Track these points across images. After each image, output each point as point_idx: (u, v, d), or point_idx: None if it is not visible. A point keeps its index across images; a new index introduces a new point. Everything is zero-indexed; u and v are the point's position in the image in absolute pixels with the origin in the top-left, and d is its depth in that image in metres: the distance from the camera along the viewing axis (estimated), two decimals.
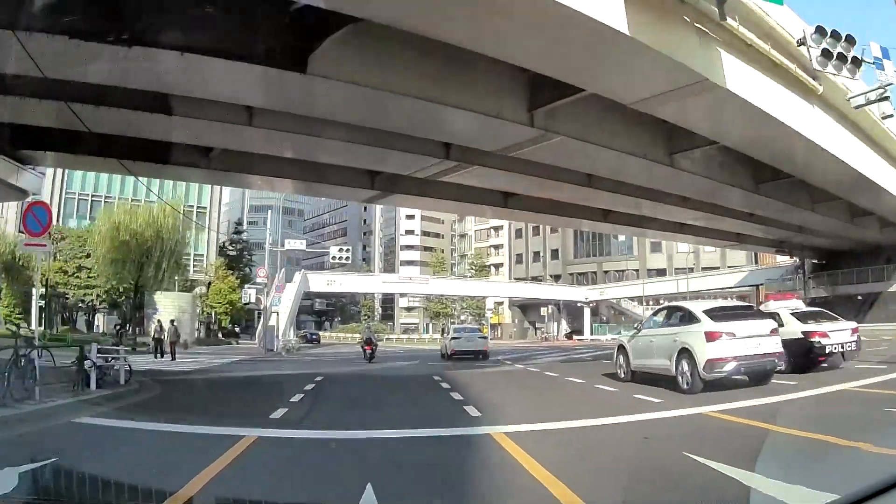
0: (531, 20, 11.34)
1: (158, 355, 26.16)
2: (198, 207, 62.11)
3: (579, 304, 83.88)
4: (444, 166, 20.47)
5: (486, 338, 31.86)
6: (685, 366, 12.47)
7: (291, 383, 14.97)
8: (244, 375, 19.17)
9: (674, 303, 19.26)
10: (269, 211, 49.18)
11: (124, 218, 36.42)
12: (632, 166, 21.90)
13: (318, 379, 16.18)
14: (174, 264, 38.65)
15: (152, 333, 28.61)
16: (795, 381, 12.73)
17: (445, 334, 33.34)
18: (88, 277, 42.08)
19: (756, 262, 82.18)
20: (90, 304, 44.73)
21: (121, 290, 40.35)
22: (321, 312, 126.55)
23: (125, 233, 35.23)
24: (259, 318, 55.37)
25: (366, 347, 27.13)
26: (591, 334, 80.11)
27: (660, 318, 15.60)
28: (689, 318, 13.49)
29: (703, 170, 23.91)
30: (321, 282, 60.93)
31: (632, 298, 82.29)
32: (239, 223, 77.82)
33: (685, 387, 12.29)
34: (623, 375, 15.31)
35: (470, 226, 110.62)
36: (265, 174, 22.28)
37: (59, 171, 60.49)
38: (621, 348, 15.96)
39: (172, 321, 28.65)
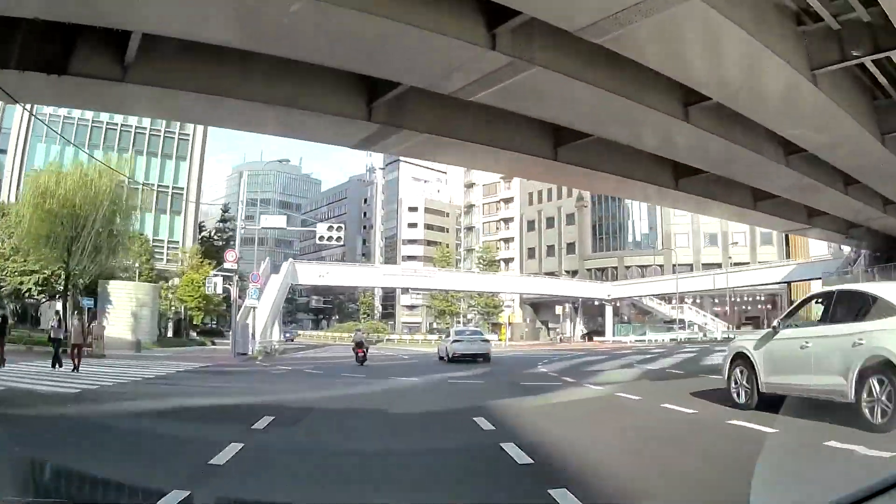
0: None
1: (57, 364, 18.45)
2: (174, 188, 54.58)
3: (597, 303, 76.50)
4: (485, 67, 12.78)
5: (488, 341, 30.53)
6: (875, 386, 7.56)
7: (204, 438, 7.36)
8: (147, 409, 10.76)
9: (844, 286, 12.59)
10: (243, 173, 41.23)
11: (50, 182, 28.66)
12: (764, 81, 14.44)
13: (261, 425, 8.34)
14: (115, 242, 30.84)
15: (49, 332, 20.94)
16: None
17: (446, 336, 31.98)
18: (24, 261, 34.53)
19: (788, 257, 75.77)
20: (26, 293, 37.11)
21: (63, 276, 32.45)
22: (318, 310, 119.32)
23: (52, 201, 27.54)
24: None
25: (357, 351, 25.76)
26: (614, 335, 72.75)
27: (816, 310, 10.61)
28: (879, 308, 8.25)
29: (844, 99, 16.49)
30: (311, 274, 53.49)
31: (659, 296, 75.05)
32: (226, 209, 70.21)
33: (878, 420, 7.42)
34: (743, 399, 10.10)
35: (478, 217, 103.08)
36: (212, 92, 14.58)
37: (20, 145, 53.47)
38: (741, 357, 10.47)
39: (80, 314, 21.15)
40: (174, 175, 54.70)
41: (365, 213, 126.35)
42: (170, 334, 43.65)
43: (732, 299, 79.72)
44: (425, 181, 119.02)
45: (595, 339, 71.39)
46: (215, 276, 31.29)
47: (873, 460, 4.97)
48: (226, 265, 30.70)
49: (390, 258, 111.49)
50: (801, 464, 4.55)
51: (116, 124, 54.70)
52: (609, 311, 74.92)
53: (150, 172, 54.39)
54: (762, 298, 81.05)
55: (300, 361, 29.52)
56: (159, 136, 55.65)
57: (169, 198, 53.59)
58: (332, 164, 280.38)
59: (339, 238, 28.76)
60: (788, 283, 73.13)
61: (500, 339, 49.85)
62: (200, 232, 68.60)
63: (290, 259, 51.96)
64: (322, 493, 5.27)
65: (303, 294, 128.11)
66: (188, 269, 44.26)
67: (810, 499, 2.49)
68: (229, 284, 29.69)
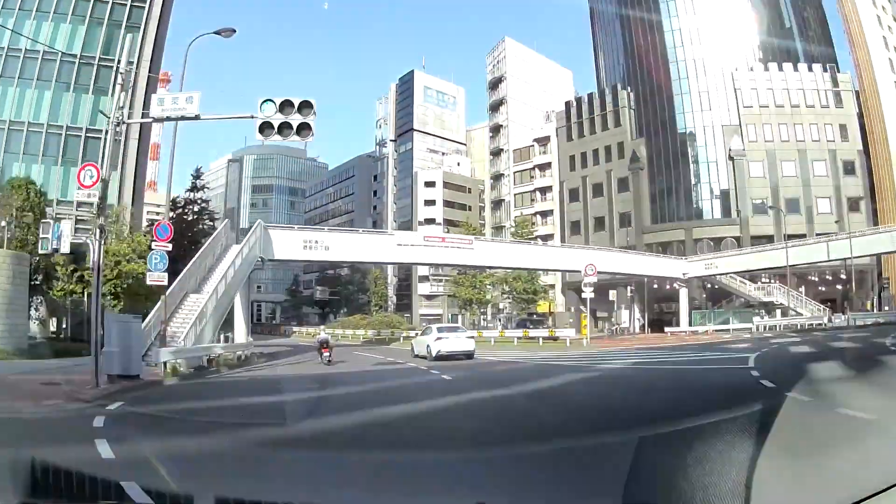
0: None
1: None
2: (107, 131, 39.57)
3: (666, 285, 61.03)
4: None
5: (473, 337, 28.89)
6: None
7: None
8: None
9: None
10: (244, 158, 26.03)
11: None
12: None
13: None
14: None
15: None
16: None
17: (422, 333, 30.51)
18: None
19: (876, 224, 61.76)
20: None
21: None
22: (324, 303, 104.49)
23: None
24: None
25: (322, 350, 24.83)
26: (691, 324, 57.46)
27: None
28: None
29: None
30: (292, 244, 37.87)
31: (742, 273, 59.75)
32: (197, 175, 55.20)
33: None
34: None
35: (507, 189, 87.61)
36: None
37: None
38: None
39: None
40: (112, 114, 39.65)
41: (375, 192, 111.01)
42: (36, 337, 28.16)
43: (812, 278, 65.10)
44: (443, 153, 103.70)
45: (669, 331, 56.18)
46: (53, 220, 15.93)
47: None
48: (77, 195, 15.50)
49: None
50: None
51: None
52: (684, 294, 59.47)
53: (79, 110, 39.66)
54: (843, 276, 65.90)
55: (229, 392, 14.66)
56: (92, 65, 40.90)
57: (101, 144, 38.55)
58: (340, 148, 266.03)
59: (304, 129, 13.20)
60: (879, 256, 59.01)
61: (581, 335, 34.87)
62: (175, 209, 53.83)
63: (259, 222, 36.57)
64: None
65: (309, 285, 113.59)
66: (113, 239, 29.26)
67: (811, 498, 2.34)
68: (86, 237, 14.66)
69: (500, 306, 79.72)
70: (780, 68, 69.79)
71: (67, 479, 4.00)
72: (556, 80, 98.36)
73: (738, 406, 7.38)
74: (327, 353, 24.25)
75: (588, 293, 33.79)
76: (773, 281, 60.92)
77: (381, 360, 26.64)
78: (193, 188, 54.94)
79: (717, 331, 53.22)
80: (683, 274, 58.19)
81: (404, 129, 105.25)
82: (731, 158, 68.84)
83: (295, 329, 74.91)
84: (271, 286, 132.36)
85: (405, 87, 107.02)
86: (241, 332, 31.86)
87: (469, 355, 25.66)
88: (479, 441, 7.50)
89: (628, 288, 63.48)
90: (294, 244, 37.31)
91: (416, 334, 34.58)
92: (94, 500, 3.89)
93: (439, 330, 27.81)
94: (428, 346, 26.44)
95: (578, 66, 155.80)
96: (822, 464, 3.06)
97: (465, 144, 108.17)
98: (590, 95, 79.37)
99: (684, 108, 71.54)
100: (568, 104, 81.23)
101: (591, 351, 29.01)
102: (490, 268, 57.75)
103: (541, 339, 36.08)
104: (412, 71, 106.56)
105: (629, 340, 41.38)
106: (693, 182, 69.96)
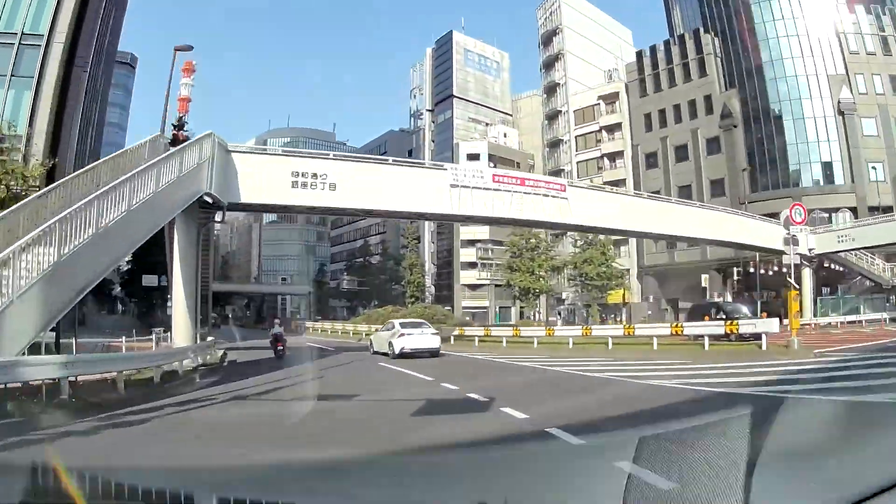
0: None
1: None
2: (24, 36, 27.79)
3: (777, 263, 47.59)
4: None
5: (438, 334, 26.54)
6: None
7: None
8: None
9: None
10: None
11: None
12: None
13: None
14: None
15: None
16: None
17: (383, 328, 28.69)
18: None
19: None
20: None
21: None
22: (352, 295, 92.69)
23: None
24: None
25: (277, 345, 24.32)
26: (816, 314, 44.25)
27: None
28: None
29: None
30: (275, 178, 23.63)
31: (871, 249, 46.31)
32: (180, 125, 43.61)
33: None
34: None
35: (567, 157, 74.36)
36: None
37: None
38: None
39: None
40: (29, 14, 27.84)
41: None
42: None
43: None
44: (487, 123, 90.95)
45: (784, 322, 42.97)
46: None
47: None
48: None
49: (444, 229, 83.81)
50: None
51: None
52: (807, 275, 45.90)
53: None
54: None
55: None
56: None
57: (13, 52, 26.87)
58: (370, 133, 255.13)
59: None
60: None
61: (789, 331, 19.90)
62: None
63: (211, 133, 22.46)
64: None
65: (337, 276, 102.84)
66: None
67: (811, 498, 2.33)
68: None
69: (563, 296, 66.93)
70: (884, 12, 56.59)
71: (68, 479, 3.87)
72: (616, 38, 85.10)
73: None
74: (281, 348, 23.62)
75: (792, 256, 20.49)
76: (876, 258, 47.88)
77: (430, 388, 12.69)
78: (174, 141, 42.90)
79: (848, 322, 40.47)
80: (810, 250, 44.66)
81: (442, 97, 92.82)
82: (840, 113, 55.48)
83: (308, 325, 63.12)
84: (296, 278, 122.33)
85: (443, 50, 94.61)
86: (182, 331, 19.37)
87: (434, 353, 24.29)
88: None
89: (735, 270, 50.14)
90: (277, 179, 23.39)
91: (373, 329, 33.24)
92: (94, 500, 3.66)
93: (402, 326, 26.25)
94: (390, 342, 25.05)
95: (636, 24, 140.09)
96: (822, 464, 2.85)
97: (510, 115, 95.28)
98: (666, 43, 65.97)
99: (782, 54, 58.06)
100: (640, 53, 67.90)
101: (811, 360, 15.39)
102: (593, 229, 41.67)
103: (707, 340, 21.89)
104: (450, 32, 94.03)
105: (831, 338, 27.32)
106: (796, 141, 56.51)
